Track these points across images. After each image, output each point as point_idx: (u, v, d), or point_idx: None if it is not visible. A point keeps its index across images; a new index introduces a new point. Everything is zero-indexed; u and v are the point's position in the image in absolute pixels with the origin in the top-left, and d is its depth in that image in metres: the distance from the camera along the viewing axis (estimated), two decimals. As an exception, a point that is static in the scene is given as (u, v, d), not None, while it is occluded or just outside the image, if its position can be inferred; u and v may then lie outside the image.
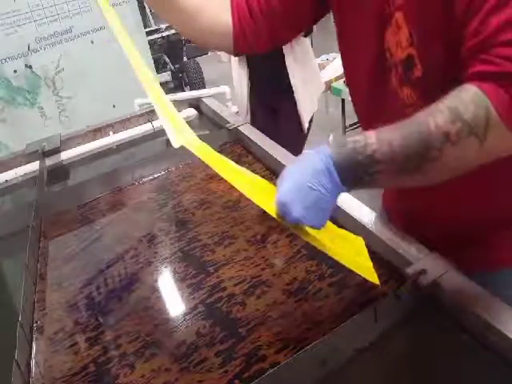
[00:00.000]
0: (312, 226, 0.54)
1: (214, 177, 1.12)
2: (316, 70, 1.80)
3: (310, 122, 1.81)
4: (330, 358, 0.60)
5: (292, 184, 0.52)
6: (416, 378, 0.59)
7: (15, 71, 2.32)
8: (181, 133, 0.63)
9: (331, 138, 0.59)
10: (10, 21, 2.24)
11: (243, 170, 0.64)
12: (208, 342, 0.67)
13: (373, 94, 0.70)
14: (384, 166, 0.51)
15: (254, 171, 1.10)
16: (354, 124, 2.82)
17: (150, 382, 0.63)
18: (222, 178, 1.09)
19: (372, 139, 0.51)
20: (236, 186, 0.58)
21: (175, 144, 0.59)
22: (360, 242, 0.69)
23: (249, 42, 0.79)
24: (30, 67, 2.36)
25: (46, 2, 2.30)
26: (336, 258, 0.58)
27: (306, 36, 1.60)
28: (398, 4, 0.58)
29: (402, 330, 0.64)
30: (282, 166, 1.02)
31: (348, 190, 0.54)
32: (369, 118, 0.75)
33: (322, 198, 0.52)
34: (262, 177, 1.06)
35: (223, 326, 0.69)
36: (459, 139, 0.49)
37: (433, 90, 0.54)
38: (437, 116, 0.50)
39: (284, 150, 1.10)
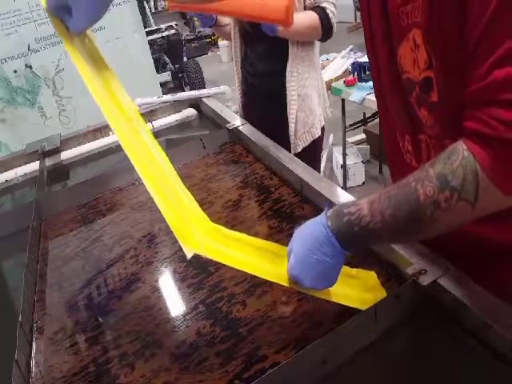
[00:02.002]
0: (324, 288, 0.61)
1: (214, 176, 1.12)
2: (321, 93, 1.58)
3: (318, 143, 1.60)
4: (330, 358, 0.60)
5: (299, 258, 0.58)
6: (416, 378, 0.59)
7: (15, 71, 2.32)
8: (188, 237, 0.63)
9: (330, 211, 0.59)
10: (9, 21, 2.25)
11: (252, 239, 0.67)
12: (208, 342, 0.67)
13: (394, 102, 0.67)
14: (380, 233, 0.55)
15: (254, 171, 1.11)
16: (354, 124, 2.82)
17: (151, 382, 0.63)
18: (222, 179, 1.10)
19: (365, 211, 0.55)
20: (251, 272, 0.63)
21: (188, 255, 0.60)
22: (371, 276, 0.69)
23: None
24: (30, 67, 2.36)
25: (46, 1, 2.30)
26: (342, 302, 0.64)
27: (324, 40, 1.44)
28: (415, 20, 0.54)
29: (402, 330, 0.64)
30: (282, 166, 1.03)
31: (351, 252, 0.58)
32: (392, 124, 0.71)
33: (328, 266, 0.58)
34: (262, 177, 1.07)
35: (223, 326, 0.69)
36: (449, 206, 0.50)
37: (449, 116, 0.53)
38: (425, 184, 0.51)
39: (284, 150, 1.10)
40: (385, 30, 0.61)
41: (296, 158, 1.07)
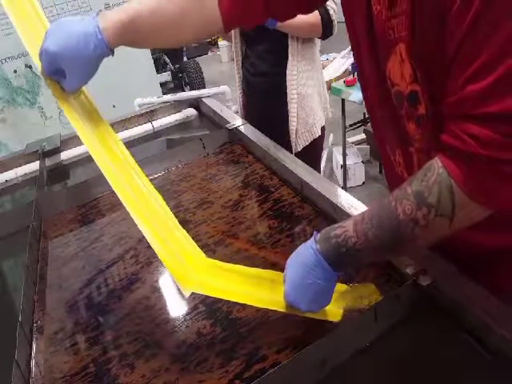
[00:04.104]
0: (319, 310, 0.63)
1: (214, 176, 1.12)
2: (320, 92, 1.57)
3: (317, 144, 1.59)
4: (330, 358, 0.60)
5: (294, 284, 0.61)
6: (416, 378, 0.59)
7: (15, 71, 2.32)
8: (185, 277, 0.65)
9: (318, 235, 0.60)
10: (10, 21, 2.24)
11: (248, 269, 0.70)
12: (208, 342, 0.67)
13: (383, 116, 0.68)
14: (366, 252, 0.57)
15: (253, 171, 1.11)
16: (354, 124, 2.82)
17: (151, 382, 0.63)
18: (222, 179, 1.10)
19: (350, 232, 0.57)
20: (247, 303, 0.65)
21: (185, 294, 0.63)
22: (370, 288, 0.69)
23: (240, 18, 0.76)
24: (30, 67, 2.36)
25: (46, 2, 2.30)
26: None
27: (324, 38, 1.43)
28: (401, 34, 0.54)
29: (402, 330, 0.64)
30: (282, 166, 1.03)
31: (342, 272, 0.61)
32: (383, 138, 0.72)
33: (322, 288, 0.60)
34: (262, 177, 1.07)
35: (224, 326, 0.69)
36: (427, 222, 0.51)
37: (436, 129, 0.54)
38: (404, 203, 0.52)
39: (284, 150, 1.10)
40: (371, 45, 0.62)
41: (296, 158, 1.07)
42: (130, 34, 0.70)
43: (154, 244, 0.65)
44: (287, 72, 1.45)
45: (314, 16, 1.36)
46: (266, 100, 1.55)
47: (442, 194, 0.50)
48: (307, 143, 1.55)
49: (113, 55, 0.70)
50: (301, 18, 1.34)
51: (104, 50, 0.68)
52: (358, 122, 2.84)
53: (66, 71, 0.69)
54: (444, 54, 0.49)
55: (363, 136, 3.28)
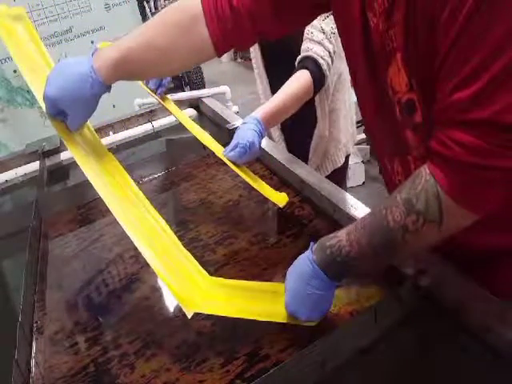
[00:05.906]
0: (319, 318, 0.63)
1: (214, 177, 1.12)
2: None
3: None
4: (331, 358, 0.60)
5: (292, 295, 0.62)
6: (416, 378, 0.59)
7: (15, 71, 2.32)
8: (188, 298, 0.64)
9: (315, 246, 0.59)
10: (9, 21, 2.24)
11: (250, 284, 0.71)
12: (209, 342, 0.67)
13: (380, 126, 0.68)
14: (361, 260, 0.58)
15: (253, 171, 1.10)
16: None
17: (151, 382, 0.63)
18: (222, 179, 1.10)
19: (343, 242, 0.58)
20: (253, 318, 0.64)
21: (188, 315, 0.62)
22: (370, 289, 0.70)
23: (231, 42, 0.74)
24: (30, 67, 2.35)
25: (46, 1, 2.29)
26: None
27: (313, 96, 1.15)
28: (397, 44, 0.54)
29: (402, 330, 0.64)
30: (282, 166, 1.03)
31: (340, 282, 0.62)
32: (381, 147, 0.73)
33: (320, 298, 0.61)
34: (262, 176, 1.07)
35: (224, 326, 0.69)
36: (417, 228, 0.52)
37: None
38: (393, 210, 0.54)
39: (284, 150, 1.10)
40: (368, 56, 0.61)
41: (296, 159, 1.07)
42: (123, 71, 0.71)
43: (156, 267, 0.65)
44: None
45: (302, 84, 1.09)
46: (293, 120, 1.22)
47: (429, 200, 0.51)
48: (327, 173, 1.38)
49: (109, 92, 0.73)
50: (293, 96, 1.08)
51: (100, 89, 0.70)
52: (358, 122, 2.84)
53: (67, 112, 0.72)
54: (435, 61, 0.49)
55: (363, 136, 3.27)
